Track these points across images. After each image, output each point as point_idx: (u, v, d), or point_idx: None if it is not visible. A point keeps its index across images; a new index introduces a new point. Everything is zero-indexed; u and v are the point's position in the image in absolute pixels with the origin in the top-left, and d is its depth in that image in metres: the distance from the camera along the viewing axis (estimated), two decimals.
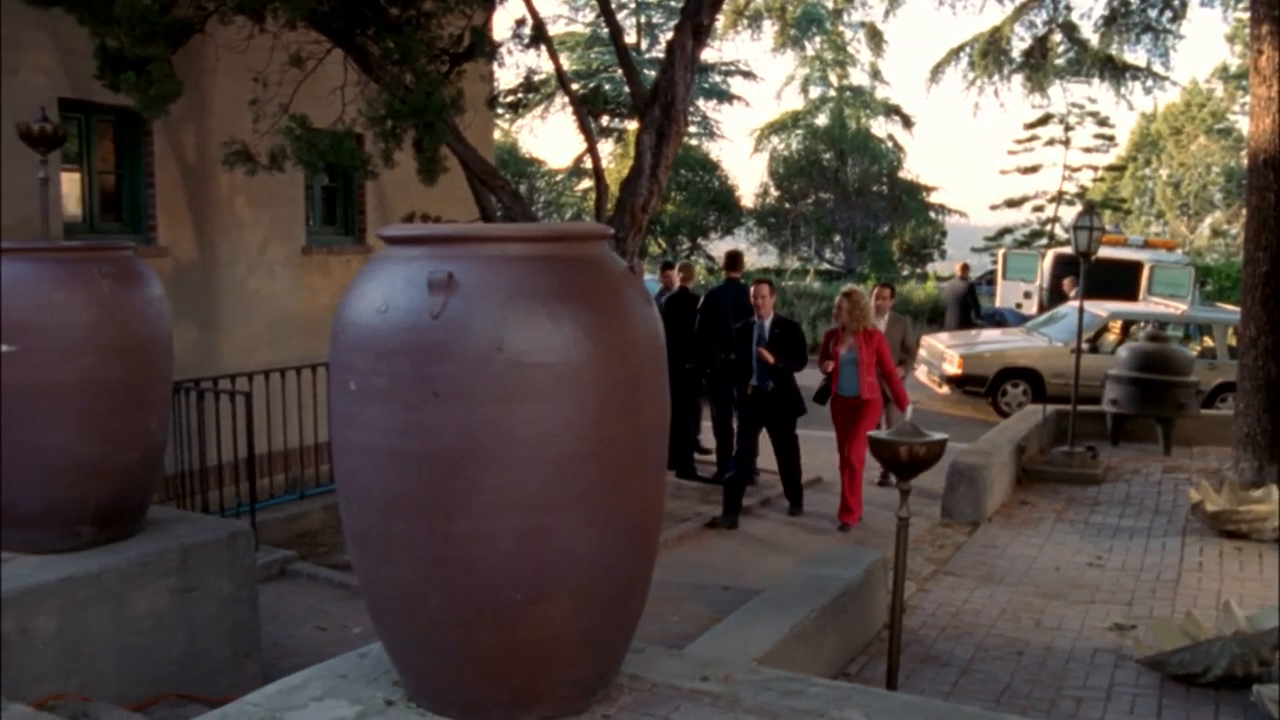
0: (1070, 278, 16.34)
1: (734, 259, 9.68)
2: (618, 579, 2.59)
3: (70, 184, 8.19)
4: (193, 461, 7.36)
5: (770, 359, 7.98)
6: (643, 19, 35.57)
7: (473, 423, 2.37)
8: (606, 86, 23.29)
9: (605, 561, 2.54)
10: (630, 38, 33.88)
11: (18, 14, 7.12)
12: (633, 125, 10.03)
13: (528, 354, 2.37)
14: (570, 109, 7.93)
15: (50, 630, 3.81)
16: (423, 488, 2.43)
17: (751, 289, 8.25)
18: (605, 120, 9.01)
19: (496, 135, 16.68)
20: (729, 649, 3.89)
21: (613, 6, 8.02)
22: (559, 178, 37.08)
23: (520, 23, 6.44)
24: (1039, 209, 33.07)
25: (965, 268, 18.80)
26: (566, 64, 30.90)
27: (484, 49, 6.31)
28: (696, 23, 6.82)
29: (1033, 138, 32.21)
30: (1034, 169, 32.74)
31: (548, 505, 2.43)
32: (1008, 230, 33.21)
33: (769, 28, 21.45)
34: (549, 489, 2.42)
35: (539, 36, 6.57)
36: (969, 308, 17.38)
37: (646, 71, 28.88)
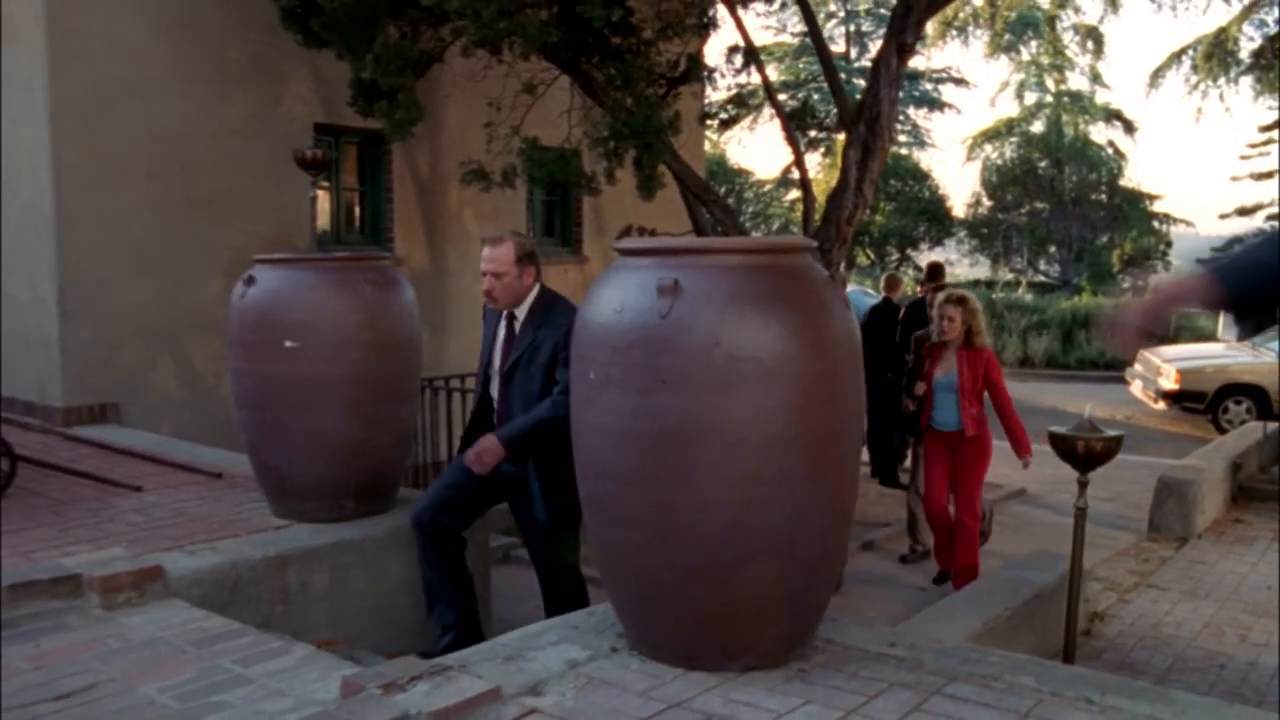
0: None
1: (934, 270, 9.85)
2: (815, 548, 3.00)
3: (320, 199, 9.15)
4: (427, 454, 8.11)
5: (910, 406, 6.84)
6: (851, 28, 35.63)
7: (693, 407, 2.83)
8: (815, 98, 23.59)
9: (804, 532, 2.95)
10: (839, 46, 34.00)
11: (284, 52, 8.06)
12: (840, 137, 10.35)
13: (741, 349, 2.81)
14: (779, 122, 8.35)
15: (323, 586, 4.48)
16: (650, 462, 2.90)
17: (934, 304, 6.86)
18: (812, 133, 9.36)
19: (706, 146, 17.26)
20: (919, 636, 4.22)
21: (821, 17, 8.29)
22: (767, 188, 37.53)
23: (733, 49, 6.90)
24: (1275, 217, 31.47)
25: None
26: (775, 74, 31.33)
27: (698, 74, 6.82)
28: (901, 41, 7.13)
29: (1268, 141, 30.70)
30: (1269, 175, 31.18)
31: (756, 480, 2.86)
32: (1238, 240, 31.72)
33: (981, 34, 21.31)
34: (757, 466, 2.85)
35: (750, 60, 7.01)
36: None
37: (856, 81, 29.01)
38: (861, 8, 35.33)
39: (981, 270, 35.35)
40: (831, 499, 3.01)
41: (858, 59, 34.11)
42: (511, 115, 7.41)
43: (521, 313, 4.48)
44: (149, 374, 7.78)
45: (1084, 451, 3.92)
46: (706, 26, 6.72)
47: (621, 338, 2.89)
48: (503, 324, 4.55)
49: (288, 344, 4.61)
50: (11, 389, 7.78)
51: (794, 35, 34.28)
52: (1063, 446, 3.99)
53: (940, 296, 6.71)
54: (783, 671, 3.05)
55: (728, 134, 34.92)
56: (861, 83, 23.09)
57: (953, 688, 2.93)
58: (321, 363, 4.65)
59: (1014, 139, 35.55)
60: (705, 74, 6.88)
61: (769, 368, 2.83)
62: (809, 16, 8.22)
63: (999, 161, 35.06)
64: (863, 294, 20.10)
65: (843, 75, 30.23)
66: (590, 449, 3.06)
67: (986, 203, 34.68)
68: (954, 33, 19.45)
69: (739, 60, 6.90)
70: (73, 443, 6.71)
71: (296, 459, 4.74)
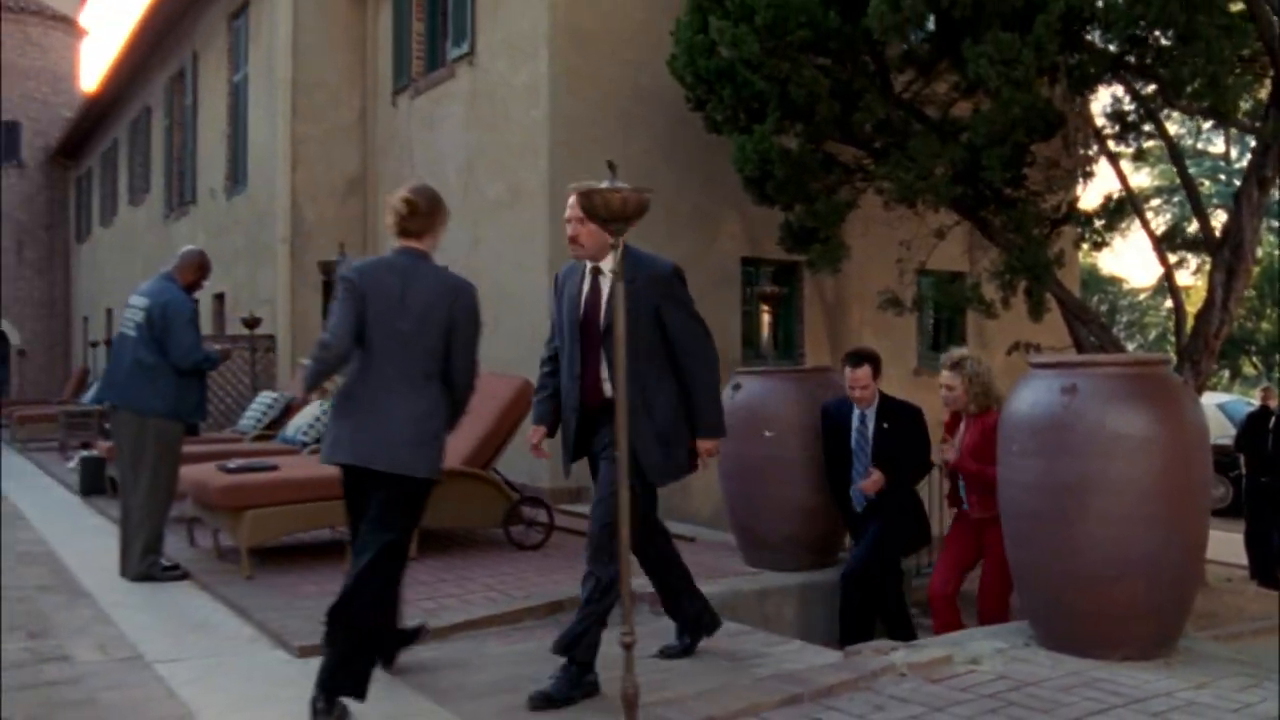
0: None
1: None
2: (1174, 573, 4.45)
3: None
4: None
5: None
6: (1233, 130, 35.07)
7: (1087, 470, 4.38)
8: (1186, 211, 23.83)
9: (1165, 559, 4.41)
10: (1219, 147, 33.72)
11: (718, 200, 10.25)
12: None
13: (1120, 430, 4.35)
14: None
15: (790, 615, 6.25)
16: (1054, 507, 4.47)
17: None
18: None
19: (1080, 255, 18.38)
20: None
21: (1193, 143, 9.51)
22: (1141, 296, 37.31)
23: (1108, 199, 8.33)
24: None
25: None
26: (1147, 179, 31.57)
27: (1076, 218, 8.34)
28: (1261, 175, 8.28)
29: None
30: None
31: (1130, 520, 4.36)
32: None
33: None
34: (1130, 510, 4.36)
35: (1125, 203, 8.40)
36: None
37: (1236, 181, 28.69)
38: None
39: None
40: (1186, 538, 4.46)
41: (1238, 159, 33.60)
42: (916, 251, 9.20)
43: (607, 265, 4.40)
44: None
45: None
46: (1086, 177, 8.21)
47: (1036, 422, 4.51)
48: (586, 281, 4.57)
49: (766, 433, 6.49)
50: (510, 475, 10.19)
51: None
52: None
53: (943, 358, 6.35)
54: (1154, 663, 4.47)
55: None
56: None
57: None
58: (787, 447, 6.49)
59: None
60: (1083, 219, 8.36)
61: (1139, 444, 4.35)
62: (1176, 158, 9.58)
63: None
64: (1244, 404, 20.20)
65: (1222, 177, 29.99)
66: (1014, 498, 4.68)
67: None
68: None
69: (1112, 205, 8.27)
70: (564, 515, 8.87)
71: (768, 520, 6.58)
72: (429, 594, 6.13)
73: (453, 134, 11.64)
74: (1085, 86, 7.51)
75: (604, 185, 3.59)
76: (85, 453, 11.85)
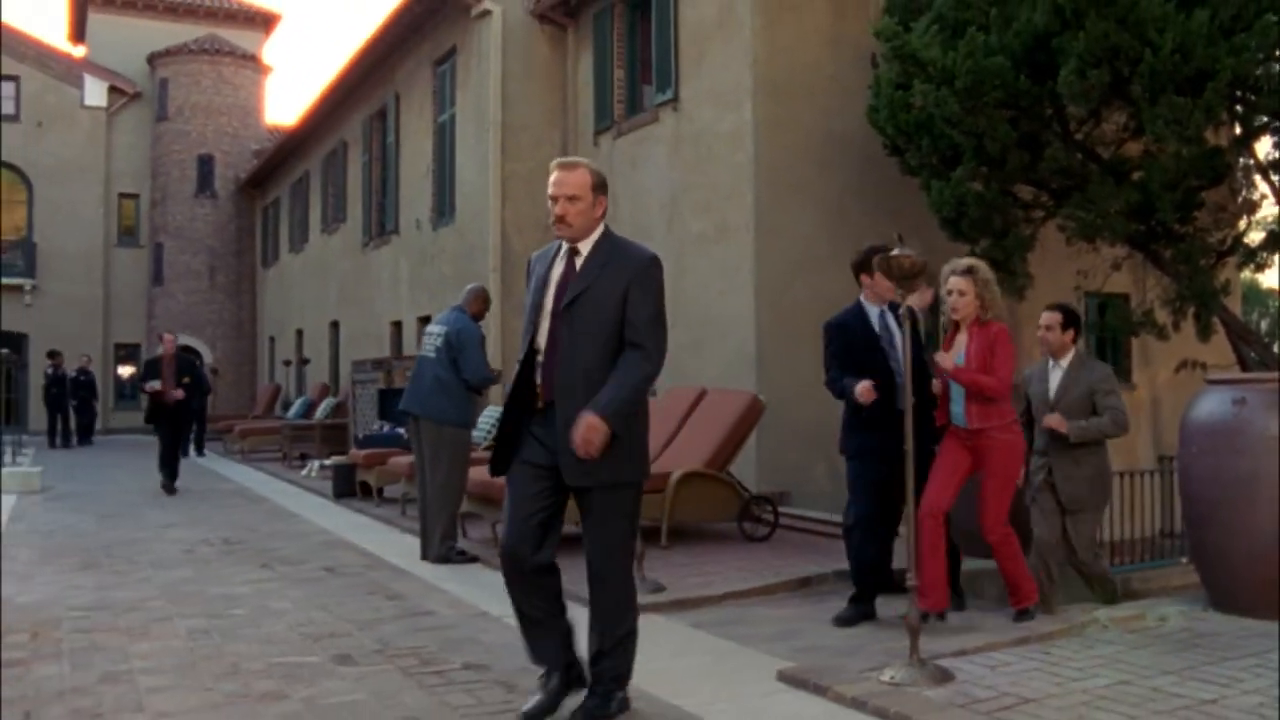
0: None
1: None
2: None
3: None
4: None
5: None
6: None
7: (1256, 467, 5.68)
8: None
9: None
10: None
11: (905, 229, 11.58)
12: None
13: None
14: None
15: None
16: (1228, 496, 5.77)
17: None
18: None
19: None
20: None
21: None
22: None
23: (1271, 235, 9.47)
24: None
25: None
26: None
27: (1238, 249, 9.54)
28: None
29: None
30: None
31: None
32: None
33: None
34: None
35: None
36: None
37: None
38: None
39: None
40: None
41: None
42: (1092, 279, 10.48)
43: (586, 247, 4.40)
44: (810, 470, 11.37)
45: None
46: (1251, 212, 9.37)
47: (1213, 427, 5.86)
48: (560, 262, 4.45)
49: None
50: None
51: None
52: None
53: (945, 269, 6.20)
54: None
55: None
56: None
57: None
58: None
59: None
60: (1246, 251, 9.54)
61: None
62: None
63: None
64: None
65: None
66: (1195, 489, 6.03)
67: None
68: None
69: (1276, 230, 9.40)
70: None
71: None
72: (694, 571, 7.63)
73: (656, 172, 13.23)
74: (1250, 137, 8.71)
75: (895, 251, 4.97)
76: (332, 460, 13.77)
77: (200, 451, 21.26)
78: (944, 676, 4.78)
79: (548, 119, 15.52)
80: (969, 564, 6.73)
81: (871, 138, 11.17)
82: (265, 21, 33.61)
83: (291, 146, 26.26)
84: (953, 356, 5.94)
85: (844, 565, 6.64)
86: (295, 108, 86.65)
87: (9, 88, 30.37)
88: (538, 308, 4.43)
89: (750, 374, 11.30)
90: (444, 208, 17.41)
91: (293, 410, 22.03)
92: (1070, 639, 5.55)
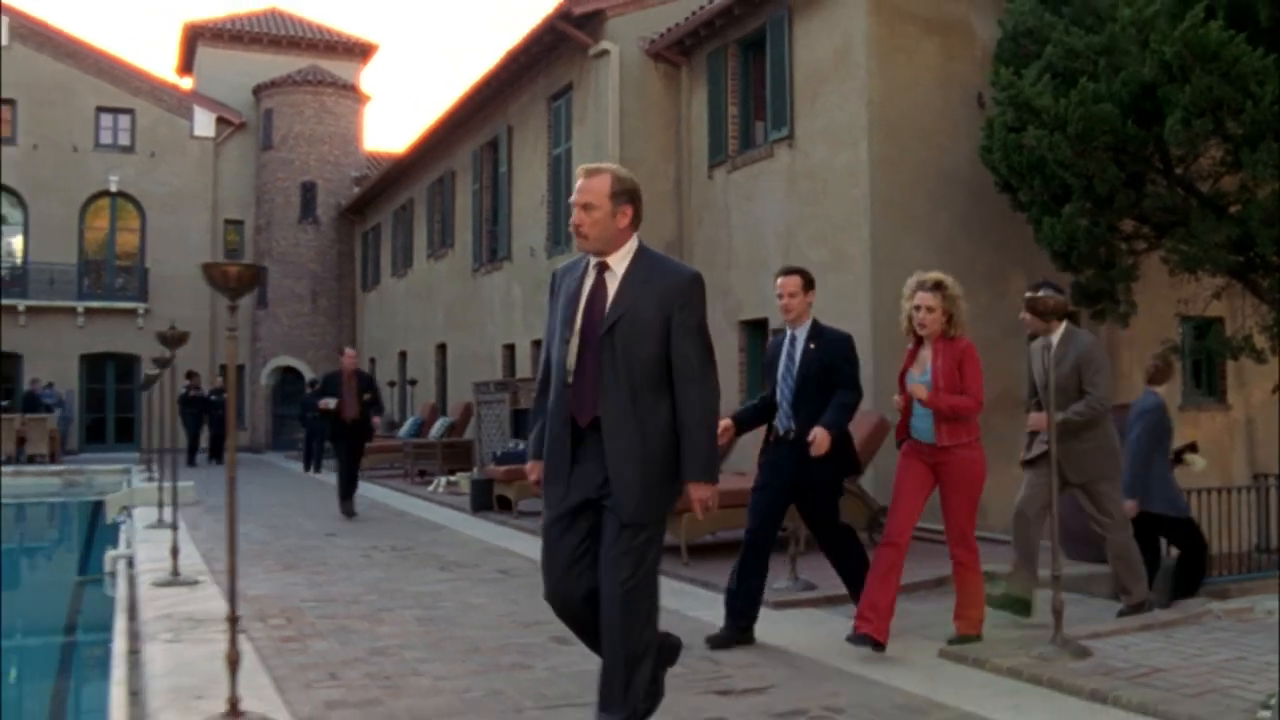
0: None
1: None
2: None
3: None
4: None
5: None
6: None
7: None
8: None
9: None
10: None
11: (1007, 264, 12.54)
12: None
13: None
14: None
15: None
16: None
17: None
18: None
19: None
20: None
21: None
22: None
23: None
24: None
25: None
26: None
27: None
28: None
29: None
30: None
31: None
32: None
33: None
34: None
35: None
36: None
37: None
38: None
39: None
40: None
41: None
42: (1193, 306, 11.37)
43: (620, 265, 4.20)
44: None
45: None
46: None
47: None
48: (589, 278, 4.23)
49: None
50: None
51: None
52: None
53: (911, 282, 6.28)
54: None
55: None
56: None
57: None
58: None
59: None
60: None
61: None
62: None
63: None
64: None
65: None
66: None
67: None
68: None
69: None
70: None
71: None
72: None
73: (771, 205, 14.28)
74: None
75: (1041, 293, 5.95)
76: (472, 474, 14.96)
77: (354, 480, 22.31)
78: (1084, 652, 5.77)
79: (661, 153, 16.63)
80: (1077, 568, 7.69)
81: (979, 174, 12.16)
82: (363, 51, 35.28)
83: (395, 174, 27.71)
84: (918, 374, 6.09)
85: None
86: (391, 134, 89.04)
87: (124, 120, 32.26)
88: (568, 323, 4.23)
89: (869, 395, 12.24)
90: (558, 236, 18.57)
91: (404, 430, 23.30)
92: (1188, 626, 6.50)
